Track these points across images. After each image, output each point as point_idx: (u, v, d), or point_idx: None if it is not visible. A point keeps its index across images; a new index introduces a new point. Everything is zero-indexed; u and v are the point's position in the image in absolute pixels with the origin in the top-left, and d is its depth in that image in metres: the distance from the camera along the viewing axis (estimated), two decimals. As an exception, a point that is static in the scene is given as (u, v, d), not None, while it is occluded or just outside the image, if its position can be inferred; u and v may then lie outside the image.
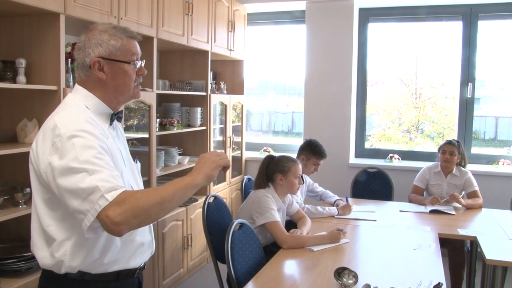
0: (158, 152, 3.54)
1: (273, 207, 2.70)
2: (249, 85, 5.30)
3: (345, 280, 1.99)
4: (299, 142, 4.58)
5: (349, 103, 4.73)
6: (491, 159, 4.55)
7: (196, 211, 3.88)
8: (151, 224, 1.59)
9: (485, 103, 4.93)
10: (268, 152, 5.12)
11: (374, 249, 2.60)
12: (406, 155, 4.82)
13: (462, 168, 3.77)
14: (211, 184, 4.24)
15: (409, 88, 5.15)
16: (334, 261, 2.32)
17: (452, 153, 3.70)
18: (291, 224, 2.96)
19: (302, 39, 4.89)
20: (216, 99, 4.36)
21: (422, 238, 2.77)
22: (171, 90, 3.86)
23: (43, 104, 2.46)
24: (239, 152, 4.99)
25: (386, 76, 5.24)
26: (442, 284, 1.97)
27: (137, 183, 1.58)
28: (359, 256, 2.49)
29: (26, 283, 2.16)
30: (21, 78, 2.38)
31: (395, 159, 4.69)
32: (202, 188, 4.54)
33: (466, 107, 4.61)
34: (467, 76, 4.59)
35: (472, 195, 3.67)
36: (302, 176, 2.91)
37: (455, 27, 4.67)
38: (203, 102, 4.18)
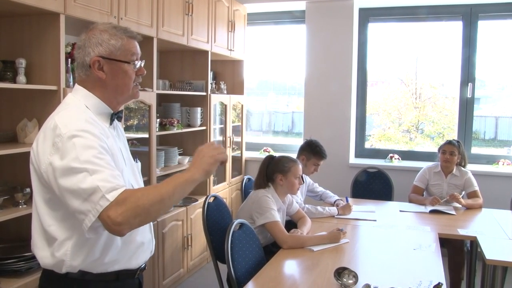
0: (158, 152, 3.54)
1: (273, 207, 2.70)
2: (249, 85, 5.30)
3: (345, 280, 1.99)
4: (299, 142, 4.58)
5: (349, 103, 4.73)
6: (491, 159, 4.55)
7: (196, 211, 3.88)
8: (151, 223, 1.60)
9: (485, 103, 4.93)
10: (268, 152, 5.12)
11: (374, 249, 2.60)
12: (406, 155, 4.82)
13: (462, 168, 3.77)
14: (211, 184, 4.25)
15: (409, 88, 5.15)
16: (334, 261, 2.32)
17: (452, 153, 3.70)
18: (291, 224, 2.96)
19: (302, 39, 4.89)
20: (216, 99, 4.36)
21: (422, 238, 2.77)
22: (171, 90, 3.86)
23: (43, 104, 2.46)
24: (239, 152, 4.99)
25: (386, 76, 5.24)
26: (442, 284, 1.97)
27: (138, 183, 1.59)
28: (359, 256, 2.49)
29: (26, 283, 2.16)
30: (21, 78, 2.38)
31: (395, 159, 4.69)
32: (202, 188, 4.53)
33: (466, 107, 4.61)
34: (467, 76, 4.59)
35: (472, 195, 3.67)
36: (302, 176, 2.91)
37: (455, 27, 4.67)
38: (203, 102, 4.18)
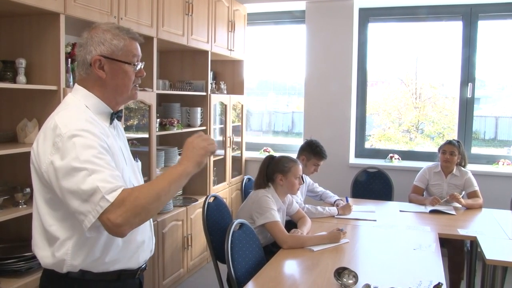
0: (158, 152, 3.54)
1: (273, 207, 2.70)
2: (249, 85, 5.30)
3: (345, 280, 1.99)
4: (299, 142, 4.59)
5: (349, 103, 4.73)
6: (491, 159, 4.55)
7: (196, 211, 3.88)
8: (151, 220, 1.61)
9: (485, 103, 4.93)
10: (268, 152, 5.12)
11: (374, 249, 2.60)
12: (406, 155, 4.82)
13: (462, 168, 3.77)
14: (211, 184, 4.25)
15: (409, 88, 5.15)
16: (334, 261, 2.32)
17: (452, 153, 3.70)
18: (291, 224, 2.96)
19: (302, 39, 4.89)
20: (216, 99, 4.36)
21: (422, 238, 2.77)
22: (171, 90, 3.86)
23: (43, 104, 2.46)
24: (239, 152, 4.99)
25: (386, 76, 5.24)
26: (442, 284, 1.97)
27: (138, 182, 1.59)
28: (359, 256, 2.49)
29: (26, 283, 2.16)
30: (21, 78, 2.38)
31: (395, 159, 4.69)
32: (202, 188, 4.52)
33: (466, 107, 4.61)
34: (467, 76, 4.59)
35: (472, 195, 3.67)
36: (302, 177, 2.91)
37: (455, 27, 4.67)
38: (203, 102, 4.18)
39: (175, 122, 3.74)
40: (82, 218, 1.27)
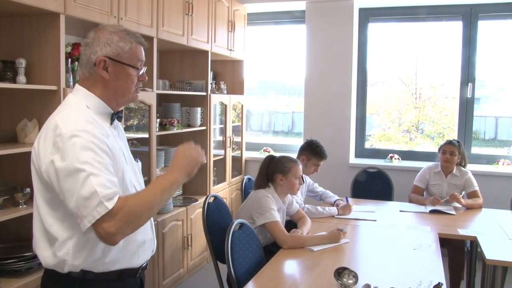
0: (158, 152, 3.54)
1: (273, 207, 2.70)
2: (249, 85, 5.30)
3: (345, 280, 1.99)
4: (299, 142, 4.59)
5: (349, 103, 4.73)
6: (491, 159, 4.55)
7: (196, 211, 3.88)
8: (152, 221, 1.61)
9: (485, 103, 4.93)
10: (268, 152, 5.12)
11: (374, 249, 2.60)
12: (406, 155, 4.82)
13: (462, 168, 3.78)
14: (211, 184, 4.25)
15: (409, 88, 5.15)
16: (334, 261, 2.32)
17: (453, 153, 3.70)
18: (291, 224, 2.96)
19: (302, 39, 4.89)
20: (216, 99, 4.36)
21: (422, 238, 2.77)
22: (171, 90, 3.86)
23: (43, 104, 2.46)
24: (239, 152, 4.99)
25: (386, 76, 5.24)
26: (442, 284, 1.97)
27: (139, 182, 1.60)
28: (359, 256, 2.49)
29: (26, 283, 2.16)
30: (21, 78, 2.38)
31: (395, 159, 4.69)
32: (202, 188, 4.52)
33: (466, 107, 4.61)
34: (467, 76, 4.59)
35: (472, 195, 3.67)
36: (302, 177, 2.91)
37: (455, 27, 4.67)
38: (203, 102, 4.18)
39: (175, 122, 3.74)
40: (79, 221, 1.28)
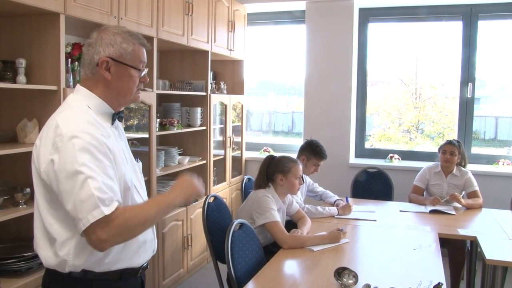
0: (158, 152, 3.54)
1: (273, 207, 2.70)
2: (249, 85, 5.30)
3: (345, 280, 1.99)
4: (299, 142, 4.59)
5: (349, 103, 4.73)
6: (491, 159, 4.55)
7: (196, 211, 3.88)
8: None
9: (485, 103, 4.93)
10: (268, 152, 5.12)
11: (374, 249, 2.60)
12: (406, 155, 4.82)
13: (462, 168, 3.78)
14: (211, 184, 4.25)
15: (409, 88, 5.15)
16: (334, 261, 2.32)
17: (453, 153, 3.70)
18: (291, 224, 2.96)
19: (302, 39, 4.89)
20: (216, 99, 4.36)
21: (422, 238, 2.77)
22: (171, 90, 3.86)
23: (43, 104, 2.46)
24: (239, 152, 4.99)
25: (386, 76, 5.24)
26: (442, 284, 1.97)
27: (140, 182, 1.60)
28: (359, 256, 2.49)
29: (26, 283, 2.16)
30: (21, 78, 2.38)
31: (395, 159, 4.69)
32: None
33: (466, 107, 4.61)
34: (467, 76, 4.59)
35: (472, 195, 3.67)
36: (302, 177, 2.91)
37: (455, 27, 4.67)
38: (203, 102, 4.18)
39: (175, 122, 3.74)
40: (75, 223, 1.29)
